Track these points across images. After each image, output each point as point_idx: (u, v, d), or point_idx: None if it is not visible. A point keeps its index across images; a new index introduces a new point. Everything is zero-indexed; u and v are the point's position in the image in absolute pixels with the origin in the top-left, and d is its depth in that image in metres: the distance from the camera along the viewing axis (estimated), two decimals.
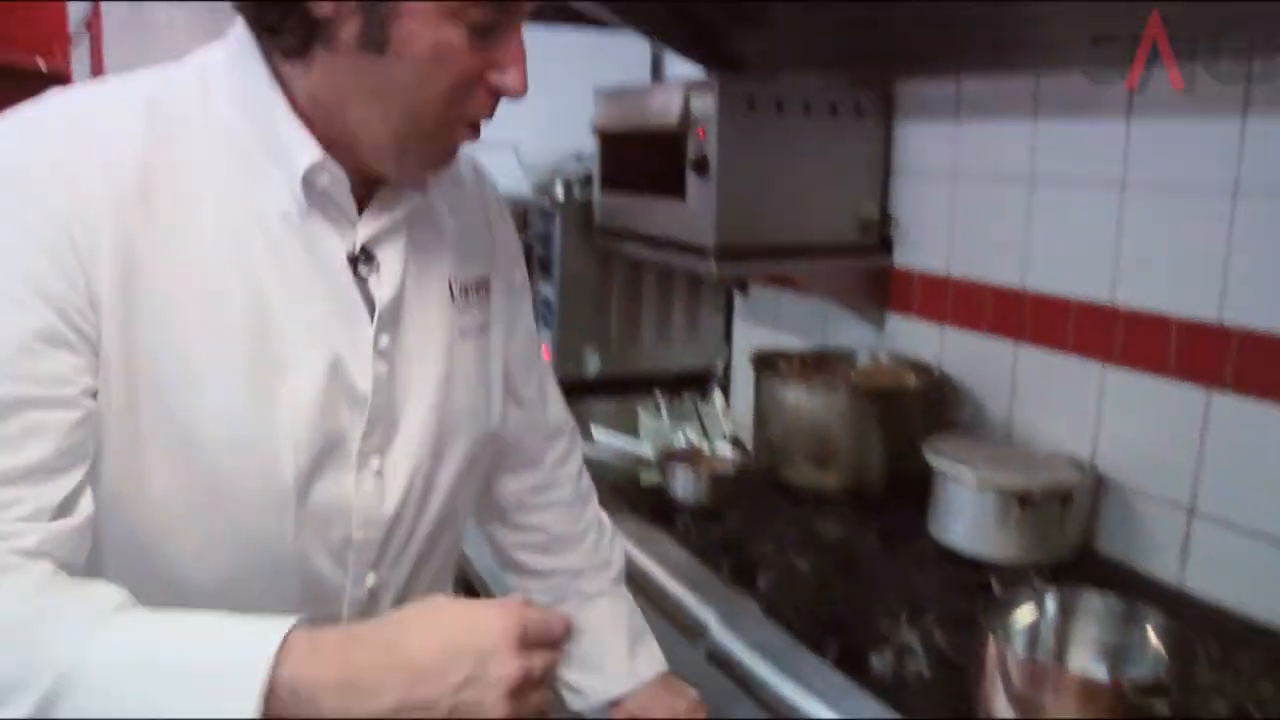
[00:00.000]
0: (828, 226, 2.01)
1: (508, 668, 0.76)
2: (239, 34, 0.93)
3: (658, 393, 2.34)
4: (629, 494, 1.92)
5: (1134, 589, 1.44)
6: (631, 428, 2.30)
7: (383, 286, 0.98)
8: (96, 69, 3.33)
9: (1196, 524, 1.51)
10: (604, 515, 1.36)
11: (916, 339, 2.03)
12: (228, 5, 0.91)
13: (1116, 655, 1.22)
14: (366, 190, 0.98)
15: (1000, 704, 1.11)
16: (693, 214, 1.94)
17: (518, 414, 1.23)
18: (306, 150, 0.91)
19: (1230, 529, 1.46)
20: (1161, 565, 1.56)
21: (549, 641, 0.82)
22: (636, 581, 1.38)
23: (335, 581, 0.99)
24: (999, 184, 1.82)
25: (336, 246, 0.95)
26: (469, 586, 1.98)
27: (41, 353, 0.81)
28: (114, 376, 0.85)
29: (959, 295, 1.93)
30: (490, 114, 0.94)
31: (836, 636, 1.35)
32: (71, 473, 0.82)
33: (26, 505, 0.79)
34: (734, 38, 2.16)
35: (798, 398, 1.91)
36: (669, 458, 1.94)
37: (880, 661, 1.30)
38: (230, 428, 0.89)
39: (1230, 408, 1.46)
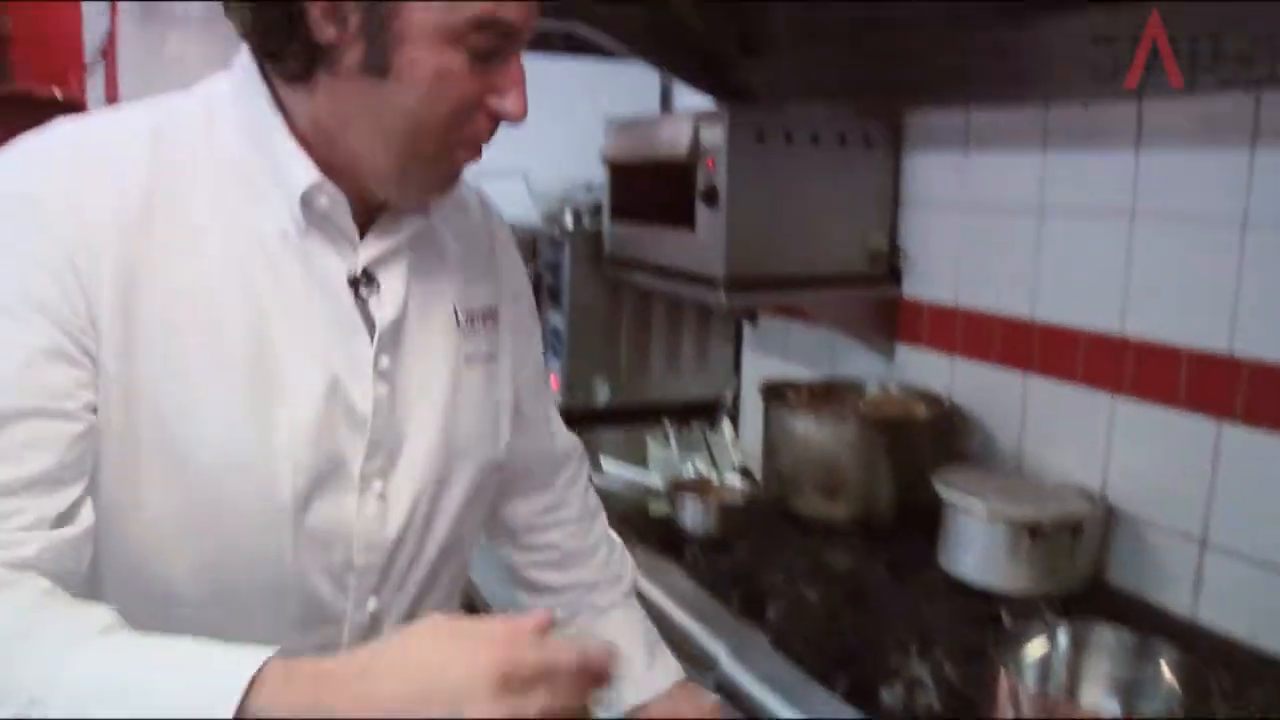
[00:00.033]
0: (836, 257, 2.01)
1: (486, 711, 0.68)
2: (244, 62, 0.95)
3: (666, 422, 2.34)
4: (638, 524, 1.92)
5: (1146, 621, 1.43)
6: (640, 457, 2.30)
7: (383, 307, 0.99)
8: (111, 97, 3.37)
9: (1209, 556, 1.50)
10: (612, 532, 1.38)
11: (926, 369, 2.03)
12: (237, 35, 0.93)
13: (1129, 690, 1.21)
14: (370, 217, 0.99)
15: None
16: (702, 244, 1.94)
17: (527, 443, 1.23)
18: (305, 171, 0.93)
19: (1242, 561, 1.45)
20: (1174, 597, 1.55)
21: (557, 674, 0.72)
22: (645, 612, 1.38)
23: (336, 605, 0.99)
24: (1008, 214, 1.82)
25: (337, 268, 0.96)
26: (474, 612, 1.96)
27: (44, 366, 0.82)
28: (113, 396, 0.86)
29: (968, 326, 1.93)
30: (489, 138, 0.96)
31: (846, 669, 1.34)
32: (73, 485, 0.83)
33: (28, 515, 0.79)
34: (743, 68, 2.17)
35: (807, 428, 1.90)
36: (678, 488, 1.94)
37: (890, 695, 1.29)
38: (227, 447, 0.90)
39: (1241, 439, 1.45)
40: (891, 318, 2.10)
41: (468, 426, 1.07)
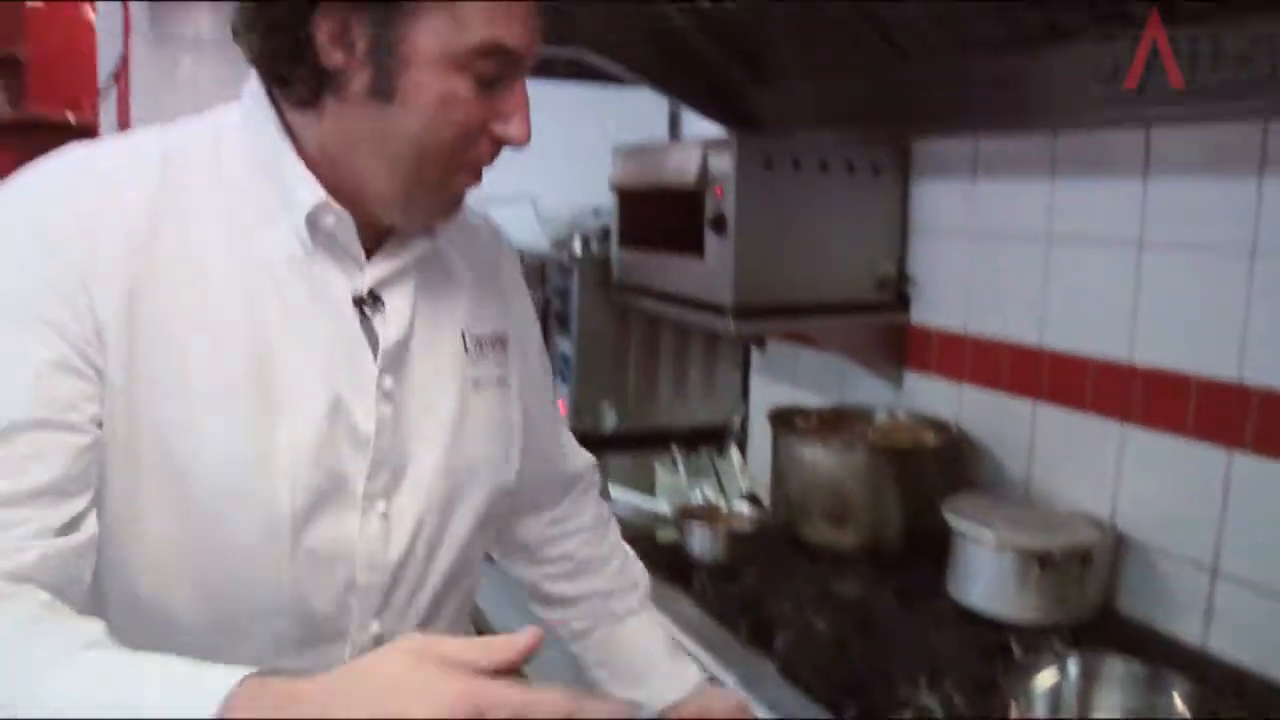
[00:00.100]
0: (845, 284, 2.01)
1: None
2: (253, 90, 0.97)
3: (674, 448, 2.33)
4: (646, 551, 1.87)
5: (1156, 651, 1.42)
6: (648, 483, 2.29)
7: (388, 327, 0.99)
8: (123, 121, 3.39)
9: (1220, 585, 1.49)
10: (624, 543, 1.38)
11: (934, 397, 2.03)
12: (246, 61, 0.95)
13: None
14: (377, 241, 1.00)
15: None
16: (710, 272, 1.94)
17: (540, 465, 1.24)
18: (311, 192, 0.94)
19: (1254, 590, 1.44)
20: (1184, 627, 1.54)
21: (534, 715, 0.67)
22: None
23: (336, 626, 0.98)
24: (1016, 242, 1.83)
25: (342, 288, 0.97)
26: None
27: (50, 379, 0.83)
28: (118, 410, 0.87)
29: (976, 353, 1.92)
30: (491, 161, 0.97)
31: (855, 698, 1.34)
32: (77, 498, 0.84)
33: (31, 525, 0.80)
34: (751, 96, 2.18)
35: (815, 455, 1.90)
36: (686, 515, 1.93)
37: None
38: (226, 462, 0.90)
39: (1252, 467, 1.44)
40: (900, 345, 2.10)
41: (475, 449, 1.07)
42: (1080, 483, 1.72)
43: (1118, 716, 1.22)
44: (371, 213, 0.97)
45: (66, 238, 0.86)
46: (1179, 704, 1.16)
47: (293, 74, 0.91)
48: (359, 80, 0.89)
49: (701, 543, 1.85)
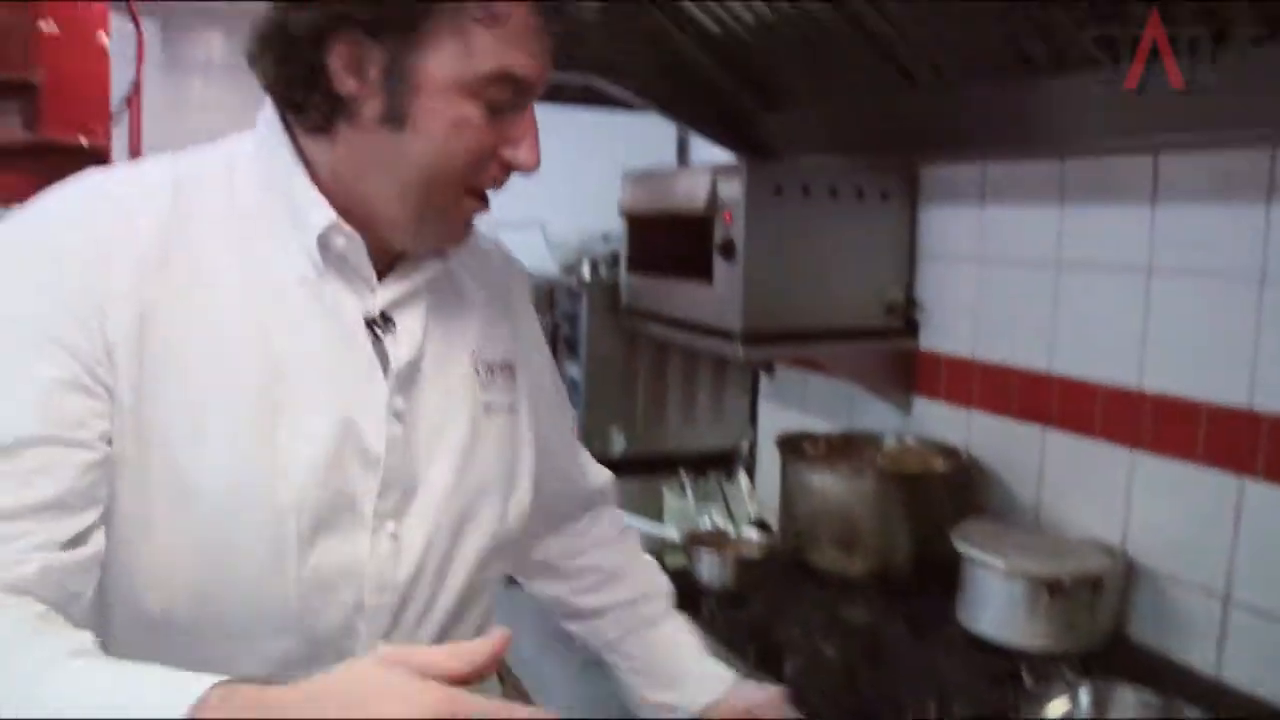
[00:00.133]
0: (853, 310, 2.01)
1: None
2: (266, 117, 0.98)
3: (683, 473, 2.33)
4: None
5: (1168, 679, 1.41)
6: (656, 508, 2.29)
7: (399, 347, 1.00)
8: (135, 146, 3.41)
9: (1233, 612, 1.48)
10: (645, 552, 1.39)
11: (943, 422, 2.02)
12: (259, 86, 0.96)
13: None
14: (389, 264, 1.01)
15: None
16: (719, 298, 1.95)
17: (560, 486, 1.26)
18: (322, 213, 0.95)
19: (1267, 619, 1.43)
20: (1197, 655, 1.53)
21: None
22: None
23: (343, 647, 0.98)
24: (1025, 268, 1.83)
25: (353, 309, 0.98)
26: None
27: (60, 396, 0.84)
28: (127, 431, 0.88)
29: (985, 379, 1.92)
30: (499, 186, 0.98)
31: None
32: (84, 513, 0.84)
33: (33, 538, 0.80)
34: (760, 122, 2.19)
35: (824, 481, 1.89)
36: (694, 541, 1.93)
37: None
38: (234, 482, 0.90)
39: (1263, 494, 1.44)
40: (908, 370, 2.10)
41: (487, 473, 1.07)
42: (1090, 509, 1.71)
43: None
44: (383, 237, 0.98)
45: (83, 263, 0.88)
46: None
47: (307, 100, 0.92)
48: (371, 107, 0.91)
49: (710, 569, 1.84)
